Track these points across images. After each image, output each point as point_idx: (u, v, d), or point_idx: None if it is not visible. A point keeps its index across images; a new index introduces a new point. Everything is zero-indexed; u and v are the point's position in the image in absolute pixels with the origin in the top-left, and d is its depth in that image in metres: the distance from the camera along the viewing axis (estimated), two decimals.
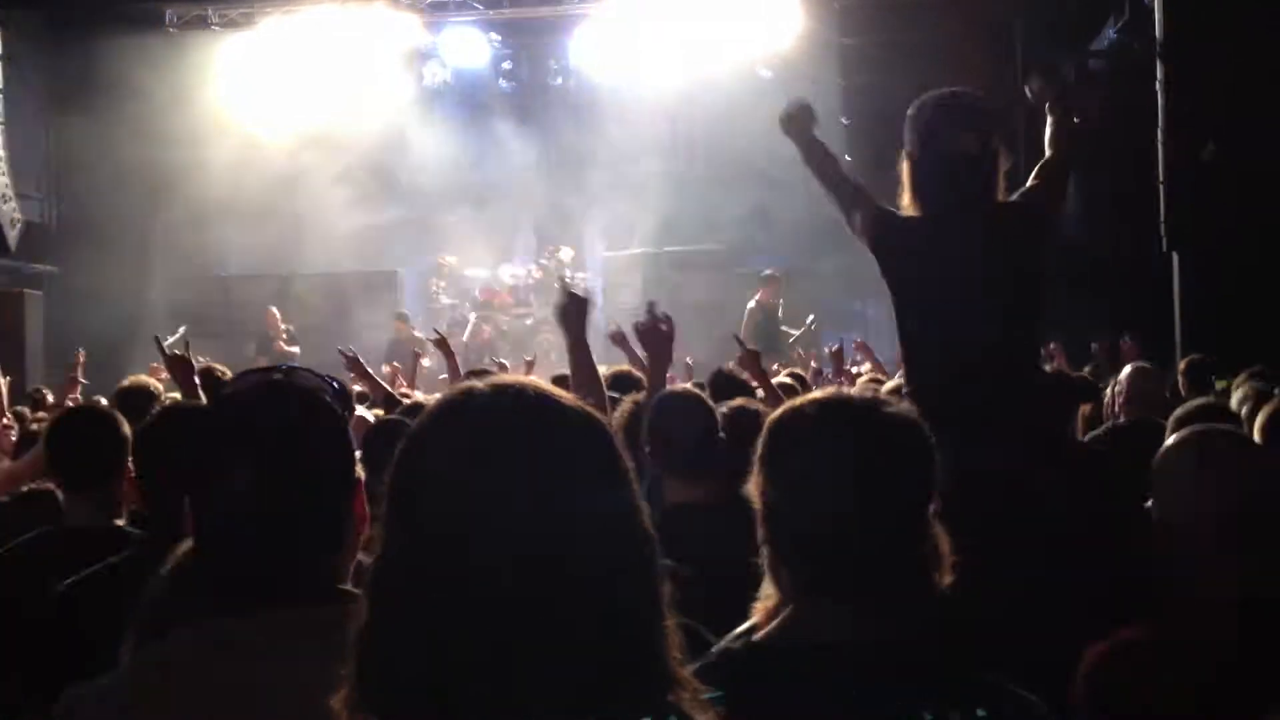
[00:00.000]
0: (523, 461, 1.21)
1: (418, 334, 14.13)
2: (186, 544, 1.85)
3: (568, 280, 3.91)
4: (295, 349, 14.01)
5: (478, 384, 1.28)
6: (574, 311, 3.69)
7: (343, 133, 16.43)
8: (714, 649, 1.75)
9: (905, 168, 3.65)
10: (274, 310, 14.67)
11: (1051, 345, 8.31)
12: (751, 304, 13.25)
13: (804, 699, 1.58)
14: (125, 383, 5.51)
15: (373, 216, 16.58)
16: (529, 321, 15.61)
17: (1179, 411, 3.93)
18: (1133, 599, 2.29)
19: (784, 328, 13.33)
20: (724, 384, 5.17)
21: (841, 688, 1.58)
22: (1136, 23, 11.13)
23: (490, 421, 1.24)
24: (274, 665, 1.51)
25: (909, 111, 3.65)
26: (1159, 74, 10.14)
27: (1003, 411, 3.37)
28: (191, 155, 16.23)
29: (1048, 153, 3.84)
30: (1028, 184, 3.73)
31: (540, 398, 1.26)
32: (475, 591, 1.17)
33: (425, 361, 12.06)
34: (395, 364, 10.18)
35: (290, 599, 1.57)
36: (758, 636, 1.70)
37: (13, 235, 14.75)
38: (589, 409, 1.28)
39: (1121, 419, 5.40)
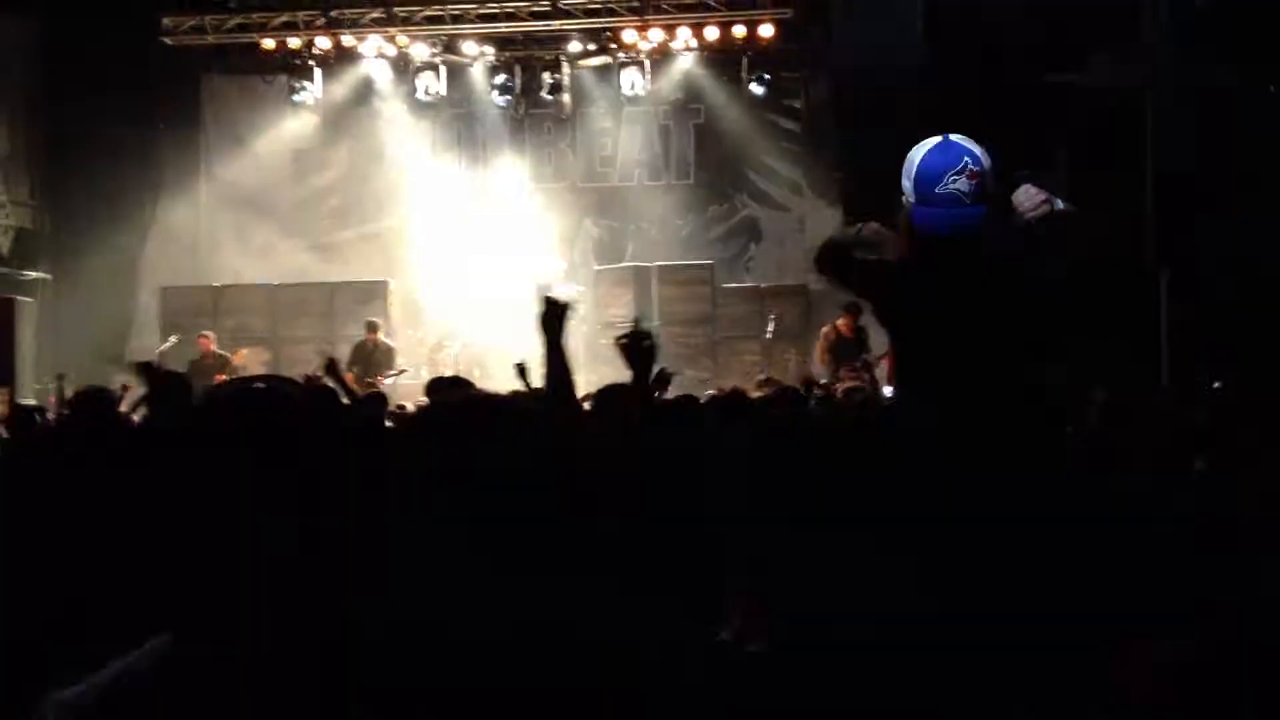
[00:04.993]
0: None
1: (384, 339, 14.33)
2: None
3: (547, 290, 3.93)
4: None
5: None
6: (553, 316, 3.78)
7: (336, 143, 16.52)
8: None
9: (903, 215, 3.65)
10: (209, 335, 14.20)
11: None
12: (827, 328, 13.28)
13: None
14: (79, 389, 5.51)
15: (365, 227, 16.65)
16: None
17: None
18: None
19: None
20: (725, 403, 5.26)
21: None
22: (1129, 41, 11.23)
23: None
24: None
25: (908, 156, 3.68)
26: (1149, 92, 10.24)
27: (997, 453, 3.35)
28: (185, 164, 16.31)
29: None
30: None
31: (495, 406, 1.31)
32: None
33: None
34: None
35: None
36: None
37: (4, 241, 14.78)
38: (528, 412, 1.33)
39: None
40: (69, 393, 7.40)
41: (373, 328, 14.40)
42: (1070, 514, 3.33)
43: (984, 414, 3.43)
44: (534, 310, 3.81)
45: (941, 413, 3.43)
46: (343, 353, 14.28)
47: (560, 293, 3.96)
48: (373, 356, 14.17)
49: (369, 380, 13.55)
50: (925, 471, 1.77)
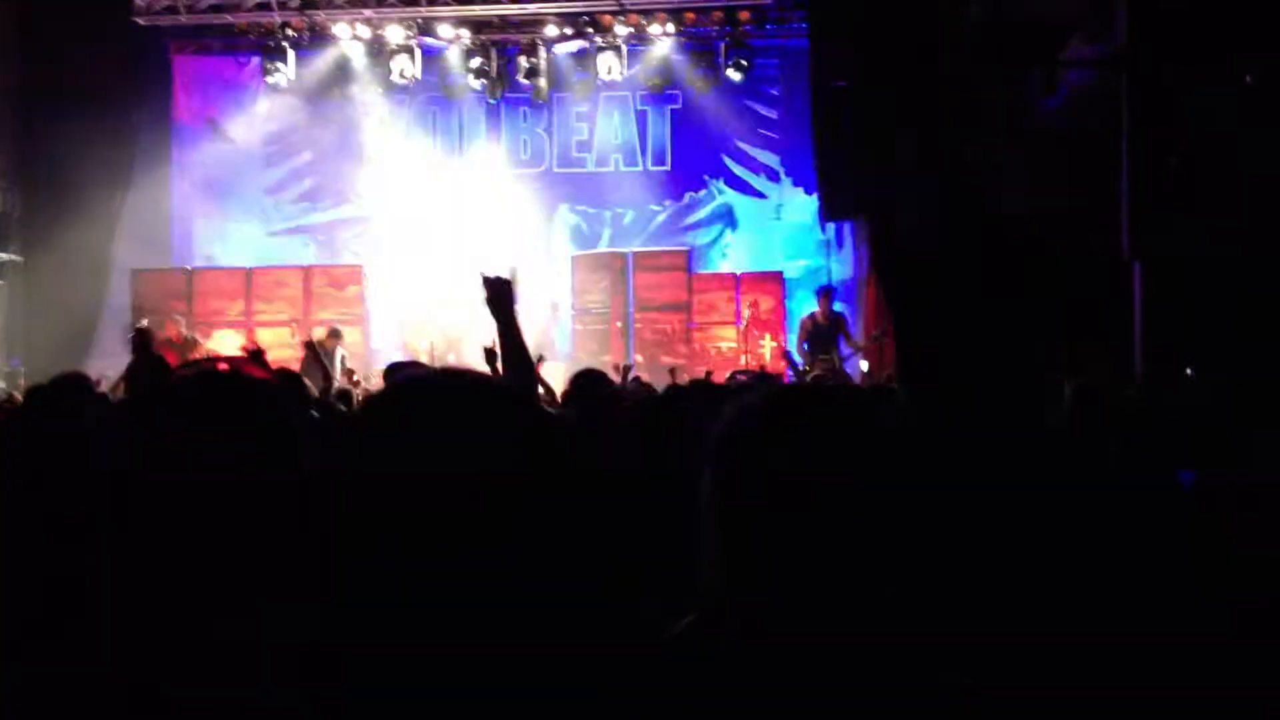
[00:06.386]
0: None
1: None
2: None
3: (484, 271, 3.86)
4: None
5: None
6: (500, 295, 3.75)
7: (310, 125, 16.40)
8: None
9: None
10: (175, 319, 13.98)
11: None
12: (804, 316, 13.32)
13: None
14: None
15: (339, 210, 16.56)
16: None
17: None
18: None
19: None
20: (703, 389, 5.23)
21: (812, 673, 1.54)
22: (1102, 33, 11.25)
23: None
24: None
25: None
26: (1123, 85, 10.25)
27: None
28: (157, 145, 16.15)
29: None
30: None
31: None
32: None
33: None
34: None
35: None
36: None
37: None
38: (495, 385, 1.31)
39: None
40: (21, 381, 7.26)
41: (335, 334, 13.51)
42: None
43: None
44: (483, 298, 3.77)
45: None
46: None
47: (499, 270, 3.88)
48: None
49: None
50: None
